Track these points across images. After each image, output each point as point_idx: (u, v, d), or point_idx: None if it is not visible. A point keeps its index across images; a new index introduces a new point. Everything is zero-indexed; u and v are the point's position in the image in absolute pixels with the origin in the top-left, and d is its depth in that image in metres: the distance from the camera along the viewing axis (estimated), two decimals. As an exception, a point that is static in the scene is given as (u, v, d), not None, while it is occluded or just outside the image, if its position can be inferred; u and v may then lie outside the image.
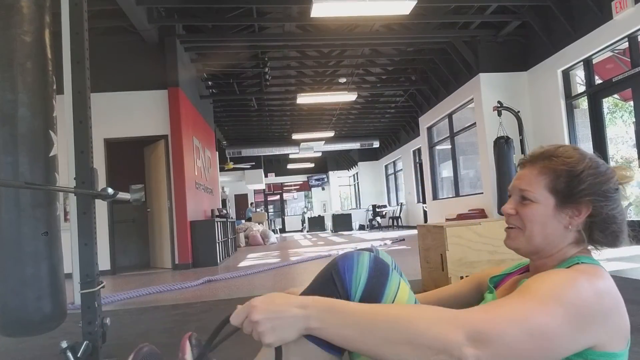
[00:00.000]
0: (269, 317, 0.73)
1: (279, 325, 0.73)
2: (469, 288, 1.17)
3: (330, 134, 15.19)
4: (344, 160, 22.76)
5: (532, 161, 0.94)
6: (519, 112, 7.73)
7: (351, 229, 17.94)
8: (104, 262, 6.97)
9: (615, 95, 8.06)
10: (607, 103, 8.24)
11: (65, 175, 3.40)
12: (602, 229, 0.89)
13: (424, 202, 13.95)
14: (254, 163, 18.15)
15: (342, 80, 11.22)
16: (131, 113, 7.51)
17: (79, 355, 1.84)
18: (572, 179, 0.89)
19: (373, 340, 0.70)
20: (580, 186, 0.88)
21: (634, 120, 6.48)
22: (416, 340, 0.68)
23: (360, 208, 20.48)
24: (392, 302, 0.85)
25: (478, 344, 0.67)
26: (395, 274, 0.90)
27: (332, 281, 0.86)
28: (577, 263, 0.85)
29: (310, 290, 0.88)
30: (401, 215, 16.88)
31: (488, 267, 1.20)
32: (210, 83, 10.73)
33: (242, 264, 7.57)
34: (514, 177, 0.98)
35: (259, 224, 14.55)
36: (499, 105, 7.83)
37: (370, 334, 0.71)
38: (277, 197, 24.03)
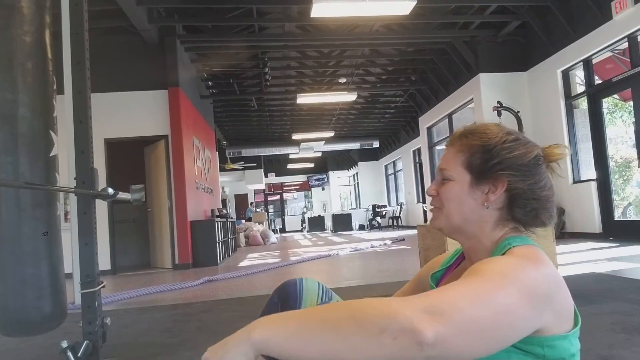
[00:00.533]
0: (215, 349, 0.69)
1: (224, 353, 0.67)
2: (413, 290, 1.14)
3: (330, 134, 15.20)
4: (344, 160, 22.76)
5: (453, 141, 0.93)
6: (518, 112, 7.73)
7: (351, 229, 17.94)
8: (104, 262, 6.97)
9: (615, 95, 8.07)
10: (607, 103, 8.24)
11: (66, 175, 3.41)
12: (521, 205, 0.87)
13: (424, 202, 13.95)
14: (244, 162, 18.19)
15: (342, 80, 11.23)
16: (131, 113, 7.52)
17: (79, 355, 1.85)
18: (486, 154, 0.87)
19: (316, 327, 0.63)
20: (494, 160, 0.86)
21: (633, 120, 6.48)
22: (363, 318, 0.61)
23: (360, 208, 20.48)
24: None
25: (434, 316, 0.61)
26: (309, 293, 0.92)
27: None
28: (510, 247, 0.82)
29: None
30: (401, 215, 16.88)
31: (429, 262, 1.18)
32: (210, 83, 10.73)
33: (242, 263, 7.58)
34: None
35: (259, 223, 14.55)
36: (498, 106, 7.82)
37: (313, 322, 0.64)
38: (277, 197, 24.04)
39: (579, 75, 7.71)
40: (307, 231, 20.31)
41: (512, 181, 0.86)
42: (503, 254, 0.81)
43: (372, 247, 8.81)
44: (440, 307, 0.63)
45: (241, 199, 21.77)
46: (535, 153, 0.88)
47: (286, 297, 1.01)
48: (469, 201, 0.88)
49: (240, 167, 16.33)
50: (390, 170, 19.84)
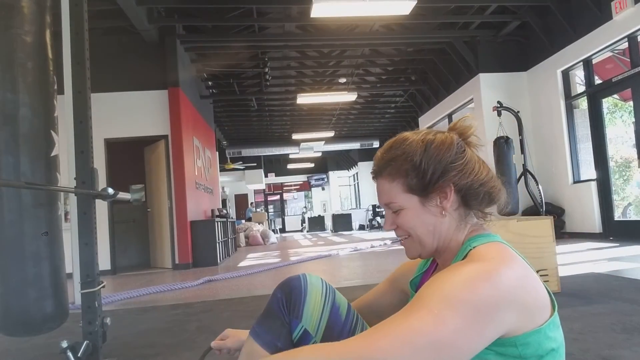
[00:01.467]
0: None
1: None
2: (391, 290, 1.14)
3: (330, 134, 15.20)
4: (344, 160, 22.76)
5: (380, 172, 0.92)
6: (518, 112, 7.73)
7: (351, 229, 17.94)
8: (104, 262, 6.97)
9: (615, 95, 8.07)
10: (607, 103, 8.24)
11: (66, 175, 3.41)
12: (474, 196, 0.88)
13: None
14: (243, 164, 18.21)
15: (342, 80, 11.23)
16: (131, 113, 7.52)
17: (79, 355, 1.85)
18: (418, 171, 0.87)
19: None
20: (428, 173, 0.86)
21: (633, 120, 6.48)
22: None
23: (360, 208, 20.48)
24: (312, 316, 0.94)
25: None
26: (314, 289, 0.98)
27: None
28: (471, 248, 0.82)
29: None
30: (401, 215, 16.88)
31: (402, 264, 1.16)
32: (210, 83, 10.73)
33: (242, 263, 7.58)
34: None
35: (259, 223, 14.55)
36: (498, 106, 7.82)
37: None
38: (277, 197, 24.03)
39: (579, 75, 7.71)
40: (307, 231, 20.31)
41: (456, 181, 0.87)
42: (465, 257, 0.82)
43: (372, 247, 8.81)
44: (373, 358, 0.65)
45: (241, 199, 21.77)
46: (455, 141, 0.89)
47: (289, 292, 1.01)
48: (429, 219, 0.89)
49: (230, 167, 16.36)
50: (390, 170, 19.85)
